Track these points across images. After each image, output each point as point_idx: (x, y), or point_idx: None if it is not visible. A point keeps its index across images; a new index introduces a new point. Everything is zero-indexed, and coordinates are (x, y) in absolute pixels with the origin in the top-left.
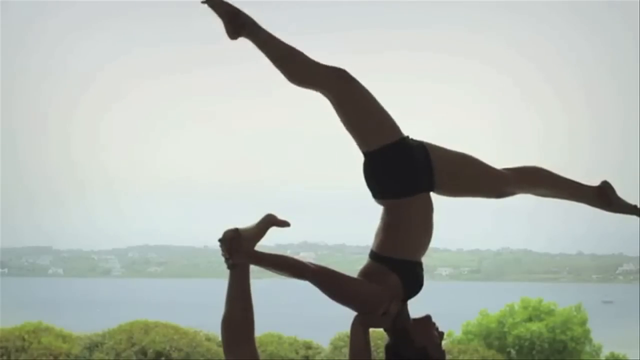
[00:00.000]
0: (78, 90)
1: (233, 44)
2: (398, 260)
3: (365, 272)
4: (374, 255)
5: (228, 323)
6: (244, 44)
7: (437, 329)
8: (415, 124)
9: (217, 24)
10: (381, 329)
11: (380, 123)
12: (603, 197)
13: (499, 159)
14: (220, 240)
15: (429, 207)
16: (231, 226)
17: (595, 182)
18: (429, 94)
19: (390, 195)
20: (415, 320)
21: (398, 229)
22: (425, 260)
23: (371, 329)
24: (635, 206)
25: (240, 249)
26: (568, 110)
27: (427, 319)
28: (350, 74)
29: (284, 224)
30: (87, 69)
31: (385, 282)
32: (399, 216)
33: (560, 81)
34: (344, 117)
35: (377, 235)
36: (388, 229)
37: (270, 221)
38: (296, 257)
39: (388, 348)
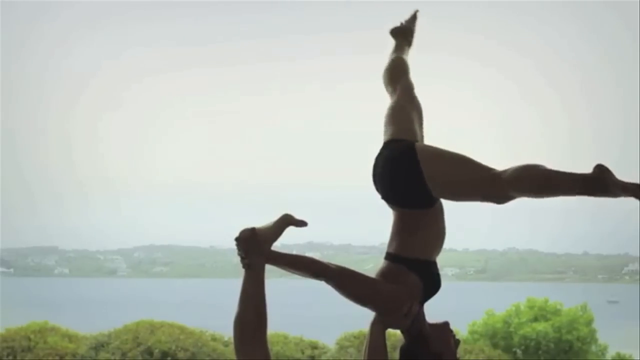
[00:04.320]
0: (78, 90)
1: (235, 44)
2: (416, 260)
3: (384, 273)
4: (391, 256)
5: (241, 323)
6: (247, 46)
7: (454, 336)
8: None
9: (216, 24)
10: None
11: (456, 195)
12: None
13: (499, 159)
14: (236, 239)
15: (442, 212)
16: (238, 226)
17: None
18: (429, 94)
19: (407, 205)
20: (433, 325)
21: (416, 233)
22: None
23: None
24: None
25: (256, 248)
26: (568, 110)
27: (446, 325)
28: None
29: (301, 223)
30: (88, 68)
31: (405, 282)
32: (415, 222)
33: (560, 81)
34: (461, 175)
35: (392, 238)
36: (404, 233)
37: (287, 221)
38: (314, 257)
39: (403, 350)
